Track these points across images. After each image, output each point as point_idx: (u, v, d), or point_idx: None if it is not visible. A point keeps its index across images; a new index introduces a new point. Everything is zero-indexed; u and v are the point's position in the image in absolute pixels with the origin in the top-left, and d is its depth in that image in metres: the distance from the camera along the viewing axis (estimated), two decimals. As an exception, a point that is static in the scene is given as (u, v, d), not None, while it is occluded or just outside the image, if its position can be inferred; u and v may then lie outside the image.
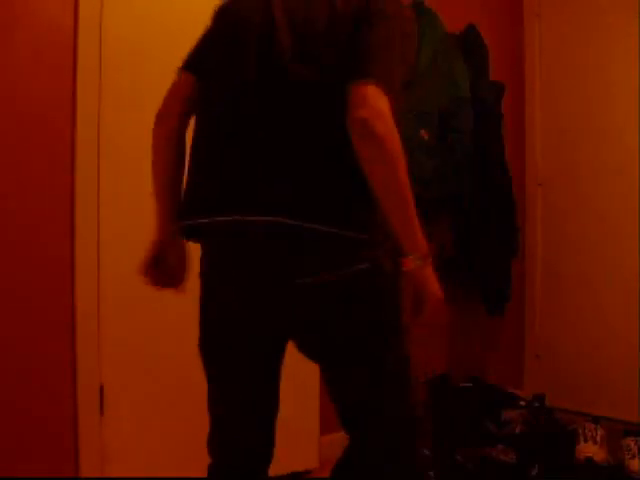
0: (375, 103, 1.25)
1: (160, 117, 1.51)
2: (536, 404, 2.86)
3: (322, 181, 1.30)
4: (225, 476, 1.55)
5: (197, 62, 1.52)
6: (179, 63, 2.12)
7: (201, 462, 2.45)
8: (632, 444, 2.49)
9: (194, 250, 1.51)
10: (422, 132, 2.75)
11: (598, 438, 2.55)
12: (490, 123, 3.09)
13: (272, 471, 1.91)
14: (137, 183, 2.28)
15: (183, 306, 2.37)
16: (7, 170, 2.02)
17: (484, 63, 3.11)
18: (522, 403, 2.84)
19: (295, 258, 1.30)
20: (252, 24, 1.40)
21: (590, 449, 2.51)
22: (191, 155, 1.47)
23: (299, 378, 2.13)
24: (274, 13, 1.38)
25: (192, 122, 1.52)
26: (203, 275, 1.44)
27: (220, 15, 1.53)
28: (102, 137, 2.18)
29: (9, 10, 2.01)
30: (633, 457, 2.46)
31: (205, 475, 2.25)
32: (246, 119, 1.35)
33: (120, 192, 2.23)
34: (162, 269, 1.56)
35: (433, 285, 1.32)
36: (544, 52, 3.48)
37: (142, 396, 2.28)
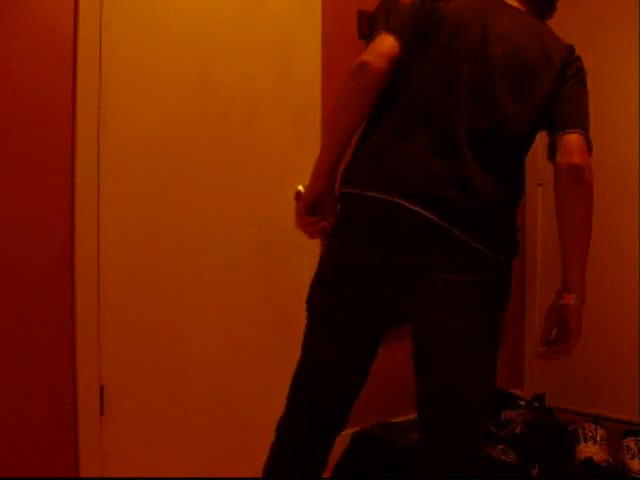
0: (585, 153, 1.44)
1: (370, 65, 1.46)
2: (536, 404, 2.86)
3: (492, 205, 1.44)
4: (293, 429, 1.58)
5: (410, 39, 1.50)
6: (180, 63, 2.11)
7: (201, 462, 2.46)
8: (632, 444, 2.49)
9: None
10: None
11: (598, 438, 2.54)
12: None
13: (272, 471, 1.90)
14: (137, 183, 2.28)
15: (183, 306, 2.38)
16: (7, 170, 2.02)
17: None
18: (522, 403, 2.84)
19: (443, 256, 1.41)
20: (472, 41, 1.48)
21: (590, 449, 2.50)
22: (380, 123, 1.50)
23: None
24: (492, 43, 1.48)
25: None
26: (344, 236, 1.50)
27: (441, 8, 1.53)
28: (102, 137, 2.18)
29: (8, 10, 2.01)
30: (633, 457, 2.46)
31: (204, 475, 2.26)
32: (447, 123, 1.45)
33: (120, 192, 2.23)
34: (314, 218, 1.58)
35: (581, 322, 1.50)
36: (544, 52, 3.47)
37: (142, 396, 2.28)
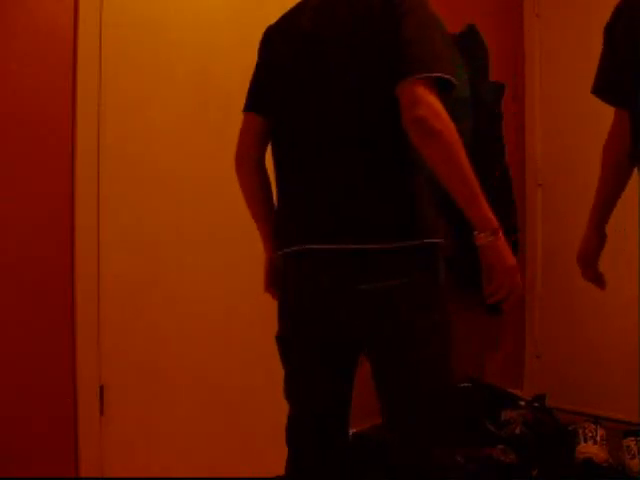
0: (427, 100, 1.29)
1: (240, 160, 1.64)
2: (536, 404, 2.86)
3: (376, 200, 1.40)
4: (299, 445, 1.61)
5: (260, 101, 1.62)
6: (180, 63, 2.08)
7: (201, 462, 2.46)
8: (632, 444, 2.49)
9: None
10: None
11: (598, 438, 2.54)
12: (490, 123, 3.08)
13: (271, 471, 1.92)
14: (137, 183, 2.28)
15: (183, 306, 2.38)
16: (7, 170, 2.02)
17: (484, 63, 3.10)
18: (522, 403, 2.84)
19: (360, 271, 1.40)
20: (297, 49, 1.51)
21: (590, 449, 2.51)
22: (276, 184, 1.60)
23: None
24: (309, 30, 1.48)
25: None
26: (290, 286, 1.55)
27: (267, 45, 1.64)
28: (102, 137, 2.18)
29: (8, 10, 2.01)
30: (633, 457, 2.46)
31: (204, 475, 2.26)
32: (303, 151, 1.49)
33: (120, 192, 2.23)
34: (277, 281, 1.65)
35: (504, 255, 1.38)
36: (544, 52, 3.47)
37: (142, 396, 2.28)
